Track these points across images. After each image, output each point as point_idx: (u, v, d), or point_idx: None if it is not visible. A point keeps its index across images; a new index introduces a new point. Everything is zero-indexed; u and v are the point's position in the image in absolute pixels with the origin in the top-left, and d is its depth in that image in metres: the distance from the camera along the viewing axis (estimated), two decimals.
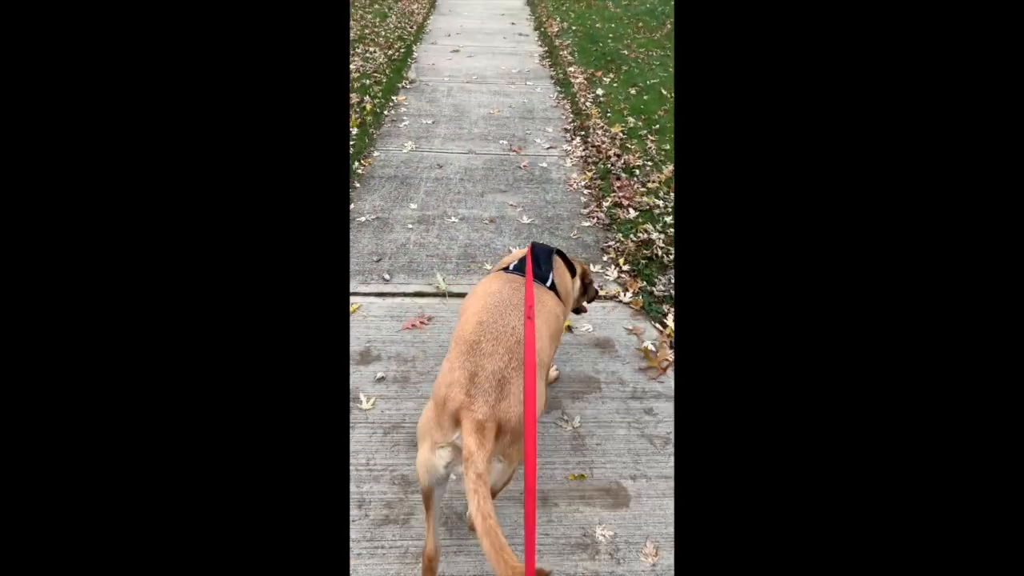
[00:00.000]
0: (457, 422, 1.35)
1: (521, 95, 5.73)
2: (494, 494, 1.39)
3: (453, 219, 3.60)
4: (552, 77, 6.32)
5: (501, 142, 4.70)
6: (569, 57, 6.96)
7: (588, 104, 5.48)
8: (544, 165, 4.36)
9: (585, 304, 2.21)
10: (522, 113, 5.31)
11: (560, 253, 1.98)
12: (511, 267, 1.76)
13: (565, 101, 5.61)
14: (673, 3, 10.01)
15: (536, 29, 8.38)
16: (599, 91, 5.81)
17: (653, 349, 2.62)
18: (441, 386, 1.42)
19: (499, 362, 1.41)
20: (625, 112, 5.31)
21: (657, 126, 5.05)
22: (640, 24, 8.68)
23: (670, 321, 2.78)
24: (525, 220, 3.63)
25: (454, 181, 4.07)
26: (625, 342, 2.69)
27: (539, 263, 1.79)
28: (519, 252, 1.94)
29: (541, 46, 7.52)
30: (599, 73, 6.34)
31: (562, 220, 3.66)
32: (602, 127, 4.96)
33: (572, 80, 6.16)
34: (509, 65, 6.66)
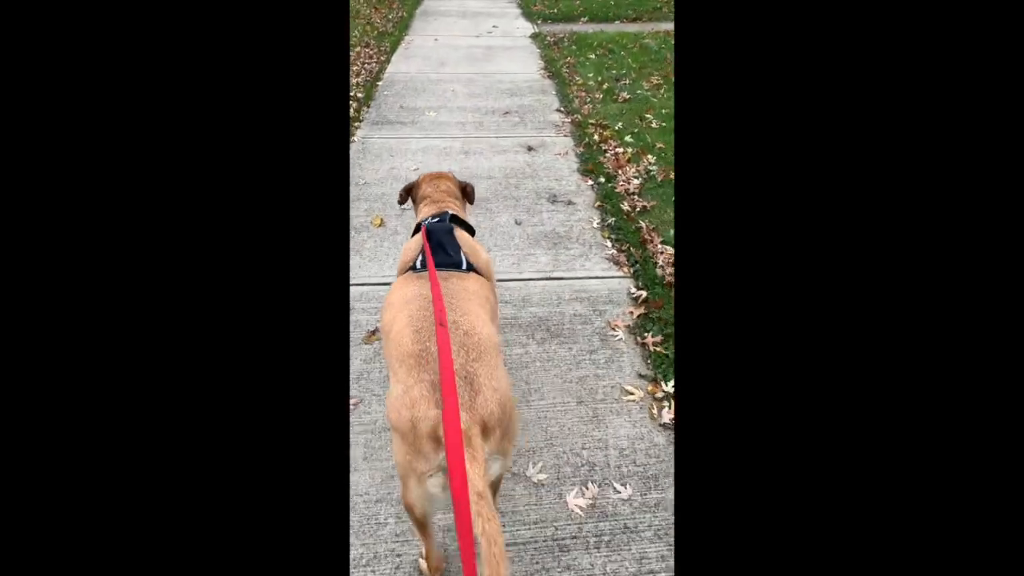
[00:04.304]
0: (437, 440, 1.19)
1: None
2: (493, 492, 1.34)
3: None
4: None
5: None
6: None
7: None
8: None
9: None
10: None
11: (455, 219, 1.85)
12: (417, 264, 1.60)
13: None
14: None
15: (588, 171, 4.14)
16: None
17: None
18: (402, 411, 1.23)
19: (456, 360, 1.27)
20: None
21: None
22: None
23: None
24: None
25: None
26: None
27: (446, 249, 1.63)
28: (415, 241, 1.76)
29: (623, 254, 3.29)
30: None
31: None
32: None
33: None
34: (569, 384, 2.44)
